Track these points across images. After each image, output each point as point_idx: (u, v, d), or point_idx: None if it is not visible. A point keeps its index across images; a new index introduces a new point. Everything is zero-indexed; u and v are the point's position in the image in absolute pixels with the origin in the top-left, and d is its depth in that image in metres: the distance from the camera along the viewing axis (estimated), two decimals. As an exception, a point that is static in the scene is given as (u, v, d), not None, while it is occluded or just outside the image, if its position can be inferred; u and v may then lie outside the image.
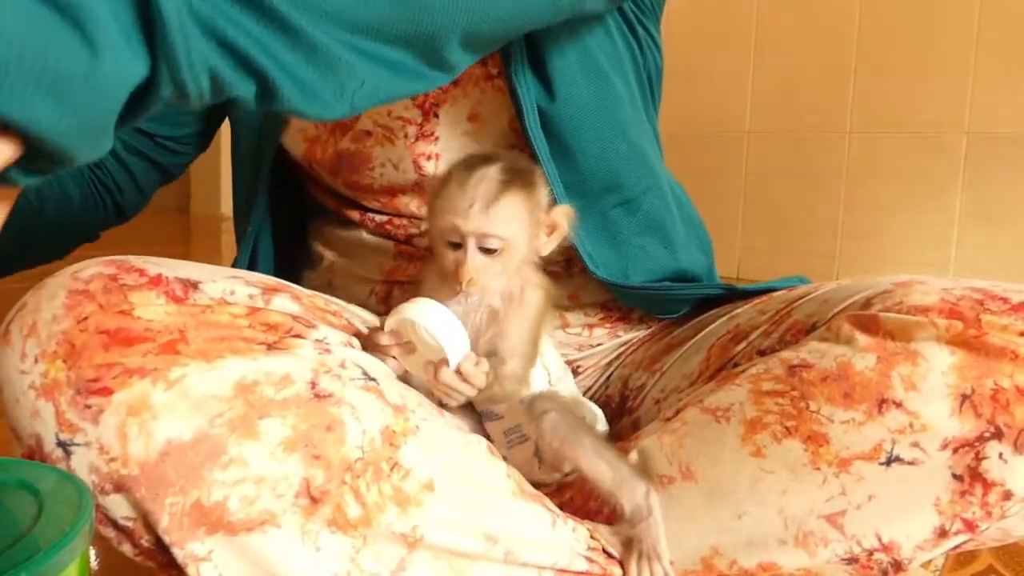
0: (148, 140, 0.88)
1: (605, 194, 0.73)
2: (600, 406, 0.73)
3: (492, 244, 0.60)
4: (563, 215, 0.65)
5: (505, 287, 0.63)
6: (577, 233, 0.70)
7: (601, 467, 0.60)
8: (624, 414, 0.79)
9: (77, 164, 0.37)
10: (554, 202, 0.66)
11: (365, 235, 0.80)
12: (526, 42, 0.68)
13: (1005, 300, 0.56)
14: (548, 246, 0.65)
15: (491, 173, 0.60)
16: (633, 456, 0.63)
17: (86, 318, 0.49)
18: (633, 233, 0.76)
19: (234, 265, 0.82)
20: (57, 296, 0.50)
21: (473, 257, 0.60)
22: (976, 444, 0.53)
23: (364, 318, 0.67)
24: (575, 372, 0.83)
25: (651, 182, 0.78)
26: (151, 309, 0.50)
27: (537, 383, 0.67)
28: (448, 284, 0.61)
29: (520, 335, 0.63)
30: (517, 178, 0.61)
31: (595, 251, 0.73)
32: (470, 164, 0.62)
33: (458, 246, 0.61)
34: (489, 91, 0.74)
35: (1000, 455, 0.53)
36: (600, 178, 0.72)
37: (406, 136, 0.74)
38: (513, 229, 0.60)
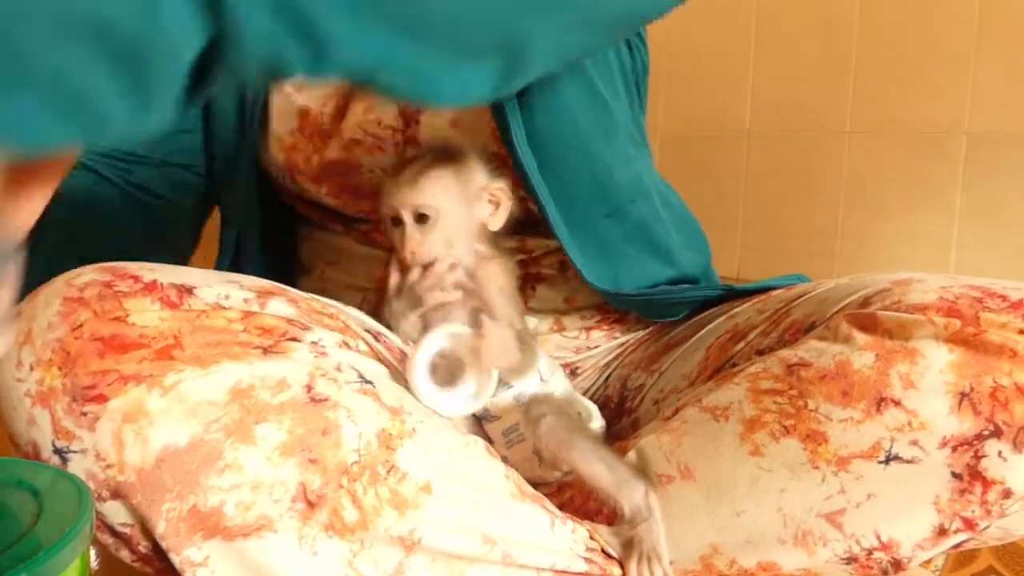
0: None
1: (592, 205, 0.73)
2: (599, 406, 0.73)
3: (425, 211, 0.64)
4: (501, 188, 0.68)
5: (464, 270, 0.66)
6: (569, 246, 0.71)
7: (599, 469, 0.60)
8: (623, 414, 0.79)
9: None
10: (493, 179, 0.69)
11: (353, 244, 0.80)
12: None
13: (1004, 298, 0.55)
14: (497, 220, 0.68)
15: (421, 158, 0.67)
16: (631, 456, 0.63)
17: (81, 325, 0.49)
18: (623, 241, 0.75)
19: (217, 263, 0.82)
20: (52, 304, 0.50)
21: (412, 228, 0.65)
22: (975, 442, 0.53)
23: (361, 320, 0.67)
24: (573, 374, 0.82)
25: (639, 189, 0.77)
26: (146, 315, 0.50)
27: (529, 383, 0.67)
28: (403, 274, 0.66)
29: (497, 300, 0.65)
30: (445, 156, 0.67)
31: (586, 264, 0.73)
32: (406, 157, 0.69)
33: (399, 223, 0.65)
34: None
35: (999, 453, 0.53)
36: (585, 189, 0.72)
37: (395, 144, 0.75)
38: (442, 199, 0.65)
